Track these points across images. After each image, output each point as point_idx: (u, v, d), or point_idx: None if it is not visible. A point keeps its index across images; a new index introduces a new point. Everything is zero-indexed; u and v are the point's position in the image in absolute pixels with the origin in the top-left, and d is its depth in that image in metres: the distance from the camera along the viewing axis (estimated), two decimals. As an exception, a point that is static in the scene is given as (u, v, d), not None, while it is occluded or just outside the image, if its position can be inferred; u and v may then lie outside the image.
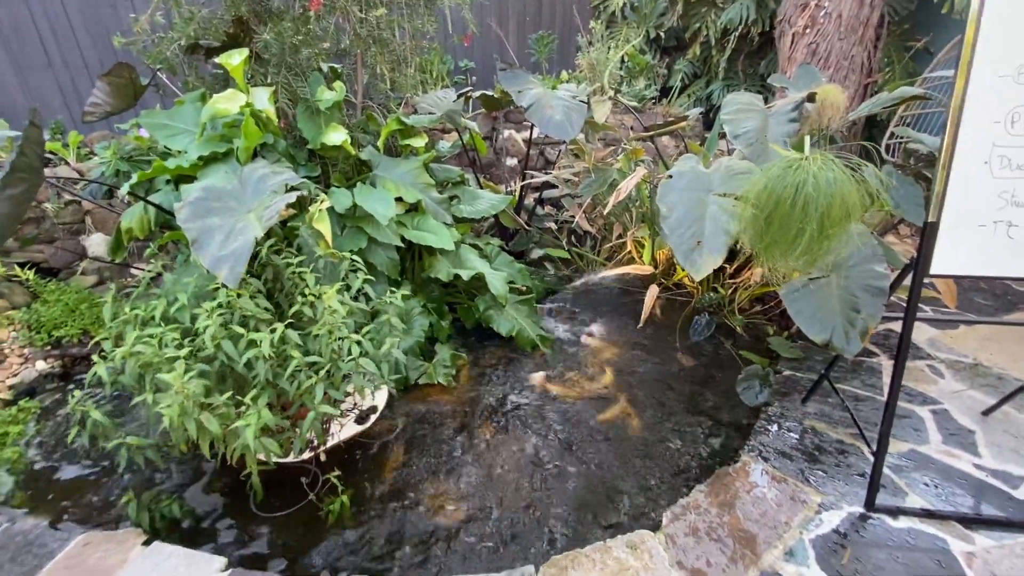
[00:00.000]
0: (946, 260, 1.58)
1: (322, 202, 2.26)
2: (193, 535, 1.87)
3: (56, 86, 4.06)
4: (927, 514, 1.82)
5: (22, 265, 3.02)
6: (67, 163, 3.31)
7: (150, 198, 2.39)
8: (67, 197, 3.27)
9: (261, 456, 1.77)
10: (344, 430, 2.13)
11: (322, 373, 1.78)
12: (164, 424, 1.58)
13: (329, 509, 1.89)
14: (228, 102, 2.30)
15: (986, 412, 2.30)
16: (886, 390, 2.46)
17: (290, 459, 1.97)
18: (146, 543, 1.75)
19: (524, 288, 3.09)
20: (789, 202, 1.66)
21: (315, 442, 2.02)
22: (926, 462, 2.06)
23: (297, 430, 1.85)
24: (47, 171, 3.21)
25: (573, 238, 3.97)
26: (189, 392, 1.58)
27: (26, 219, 3.19)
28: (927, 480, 1.97)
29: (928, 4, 3.81)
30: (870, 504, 1.83)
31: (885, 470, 1.94)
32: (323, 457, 2.08)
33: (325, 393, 1.78)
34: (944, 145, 1.48)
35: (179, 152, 2.38)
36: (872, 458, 1.81)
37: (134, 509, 1.85)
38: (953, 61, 3.54)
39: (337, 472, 1.94)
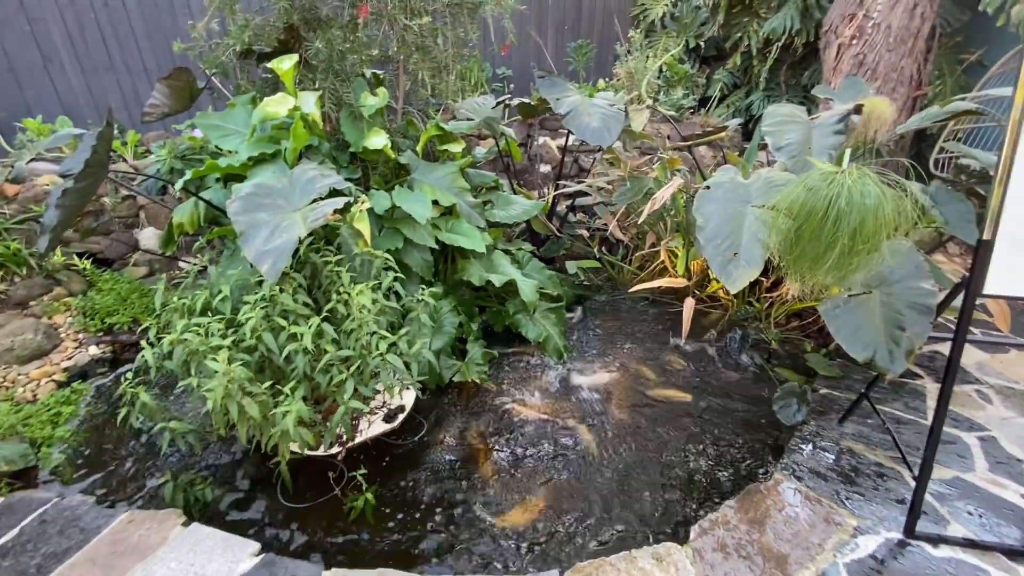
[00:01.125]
0: (1000, 280, 1.51)
1: (363, 203, 2.32)
2: (222, 518, 1.95)
3: (117, 88, 4.30)
4: (970, 544, 1.74)
5: (80, 255, 3.20)
6: (125, 160, 3.50)
7: (201, 195, 2.50)
8: (124, 192, 3.45)
9: (294, 448, 1.83)
10: (372, 428, 2.18)
11: (353, 368, 1.83)
12: (208, 406, 1.65)
13: (352, 505, 1.93)
14: (278, 105, 2.39)
15: (1038, 442, 2.19)
16: (930, 414, 2.37)
17: (320, 452, 2.02)
18: (185, 524, 1.83)
19: (554, 295, 3.10)
20: (821, 215, 1.63)
21: (344, 437, 2.08)
22: (971, 490, 1.97)
23: (328, 424, 1.90)
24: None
25: (605, 247, 3.96)
26: (235, 376, 1.65)
27: (86, 212, 3.38)
28: (971, 509, 1.88)
29: (983, 16, 3.67)
30: (910, 531, 1.76)
31: (927, 496, 1.87)
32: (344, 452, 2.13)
33: (355, 389, 1.82)
34: (1002, 161, 1.42)
35: (230, 152, 2.49)
36: (913, 483, 1.75)
37: (170, 491, 1.93)
38: (1009, 74, 3.40)
39: (363, 471, 1.98)
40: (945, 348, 2.80)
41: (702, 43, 5.39)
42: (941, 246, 2.93)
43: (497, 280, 2.78)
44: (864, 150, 2.62)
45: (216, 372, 1.64)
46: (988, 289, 1.53)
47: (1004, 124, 1.42)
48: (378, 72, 3.11)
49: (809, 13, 4.50)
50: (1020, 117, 1.38)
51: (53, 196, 1.94)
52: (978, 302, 1.59)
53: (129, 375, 1.88)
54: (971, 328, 3.01)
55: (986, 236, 1.49)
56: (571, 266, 3.69)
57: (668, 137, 4.70)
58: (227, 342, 1.72)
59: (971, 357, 2.80)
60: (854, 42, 3.66)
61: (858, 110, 2.39)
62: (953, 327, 1.62)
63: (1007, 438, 2.22)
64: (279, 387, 1.78)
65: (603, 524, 1.94)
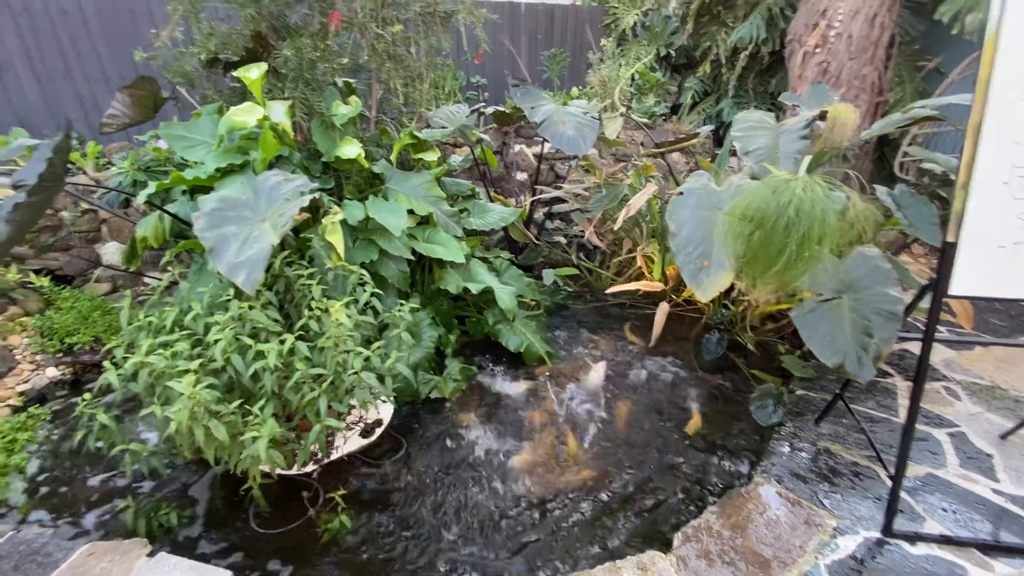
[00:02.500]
0: (965, 281, 1.56)
1: (335, 214, 2.27)
2: (190, 546, 1.86)
3: (76, 97, 4.15)
4: (945, 540, 1.78)
5: (37, 272, 3.06)
6: (85, 172, 3.36)
7: (167, 208, 2.42)
8: (84, 206, 3.31)
9: (265, 468, 1.77)
10: (348, 443, 2.11)
11: (325, 385, 1.77)
12: (171, 430, 1.57)
13: (327, 527, 1.87)
14: (245, 115, 2.33)
15: (1004, 436, 2.25)
16: (901, 411, 2.43)
17: (293, 471, 1.96)
18: (151, 554, 1.74)
19: (533, 303, 3.09)
20: (773, 221, 1.67)
21: (319, 455, 2.01)
22: (944, 486, 2.01)
23: (301, 442, 1.83)
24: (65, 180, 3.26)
25: (582, 253, 3.97)
26: (200, 399, 1.58)
27: (43, 227, 3.24)
28: (945, 505, 1.92)
29: (938, 25, 3.81)
30: (887, 529, 1.79)
31: (902, 494, 1.90)
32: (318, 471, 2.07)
33: (329, 406, 1.77)
34: (962, 165, 1.47)
35: (196, 163, 2.41)
36: (889, 481, 1.78)
37: (131, 517, 1.84)
38: (967, 81, 3.54)
39: (342, 491, 1.92)
40: (914, 347, 2.87)
41: (673, 51, 5.48)
42: (906, 247, 3.01)
43: (475, 288, 2.75)
44: (830, 155, 2.68)
45: (180, 395, 1.57)
46: (954, 290, 1.57)
47: (963, 129, 1.47)
48: (350, 81, 3.07)
49: (774, 23, 4.62)
50: (979, 122, 1.43)
51: (2, 210, 1.84)
52: (943, 301, 1.63)
53: (87, 395, 1.78)
54: (938, 327, 3.10)
55: (950, 239, 1.53)
56: (548, 275, 3.69)
57: (642, 144, 4.76)
58: (194, 365, 1.65)
59: (939, 355, 2.88)
60: (818, 50, 3.77)
61: (823, 116, 2.45)
62: (922, 326, 1.66)
63: (976, 433, 2.29)
64: (248, 407, 1.71)
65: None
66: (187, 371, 1.64)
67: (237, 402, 1.70)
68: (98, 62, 4.14)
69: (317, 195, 2.20)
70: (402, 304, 2.15)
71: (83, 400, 1.75)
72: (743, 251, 1.83)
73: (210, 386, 1.67)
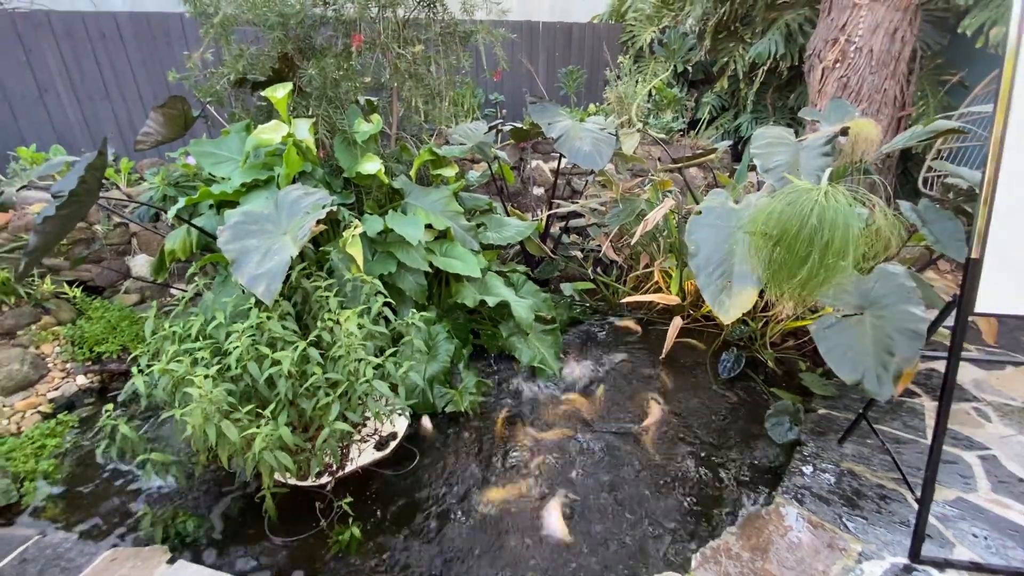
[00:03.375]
0: (990, 298, 1.52)
1: (355, 228, 2.32)
2: (205, 553, 1.88)
3: (112, 116, 4.34)
4: (976, 568, 1.71)
5: (70, 283, 3.17)
6: (118, 187, 3.50)
7: (194, 222, 2.50)
8: (116, 219, 3.44)
9: (279, 476, 1.79)
10: (363, 456, 2.13)
11: (339, 392, 1.80)
12: (187, 432, 1.61)
13: (338, 539, 1.88)
14: (271, 132, 2.41)
15: (1039, 460, 2.16)
16: (929, 432, 2.35)
17: (308, 483, 1.97)
18: (171, 561, 1.77)
19: (549, 318, 3.09)
20: (795, 230, 1.66)
21: (333, 466, 2.03)
22: (974, 512, 1.93)
23: (315, 452, 1.86)
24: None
25: (599, 267, 3.97)
26: (212, 398, 1.61)
27: (77, 239, 3.37)
28: (976, 531, 1.85)
29: (962, 38, 3.77)
30: (915, 555, 1.73)
31: (931, 519, 1.84)
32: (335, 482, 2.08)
33: (343, 415, 1.79)
34: (985, 180, 1.44)
35: (223, 179, 2.49)
36: (916, 505, 1.72)
37: (148, 524, 1.88)
38: (992, 95, 3.48)
39: (349, 499, 1.92)
40: (941, 366, 2.79)
41: (690, 67, 5.50)
42: (932, 263, 2.95)
43: (491, 301, 2.77)
44: (852, 170, 2.65)
45: (196, 396, 1.61)
46: (979, 307, 1.53)
47: (987, 143, 1.44)
48: (372, 99, 3.15)
49: (793, 38, 4.62)
50: (1001, 136, 1.40)
51: (36, 221, 1.94)
52: (968, 319, 1.59)
53: (110, 407, 1.83)
54: (967, 345, 3.01)
55: (974, 255, 1.50)
56: (567, 288, 3.69)
57: (659, 159, 4.76)
58: (213, 371, 1.70)
59: (968, 375, 2.79)
60: (837, 65, 3.75)
61: (845, 131, 2.42)
62: (948, 345, 1.62)
63: (1007, 456, 2.20)
64: (260, 412, 1.74)
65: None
66: (206, 376, 1.68)
67: (250, 406, 1.73)
68: (134, 83, 4.33)
69: (335, 207, 2.26)
70: (413, 311, 2.18)
71: (107, 411, 1.80)
72: (767, 261, 1.82)
73: (228, 393, 1.70)
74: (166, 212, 2.60)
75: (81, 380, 2.81)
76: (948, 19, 3.97)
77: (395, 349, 2.02)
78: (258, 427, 1.70)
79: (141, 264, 3.54)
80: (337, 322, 1.91)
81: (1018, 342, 3.14)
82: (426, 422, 2.48)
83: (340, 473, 2.03)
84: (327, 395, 1.79)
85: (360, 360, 1.86)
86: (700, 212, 2.22)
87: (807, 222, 1.63)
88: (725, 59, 5.20)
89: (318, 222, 2.04)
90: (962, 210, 2.45)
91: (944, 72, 4.15)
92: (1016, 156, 1.41)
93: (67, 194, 1.94)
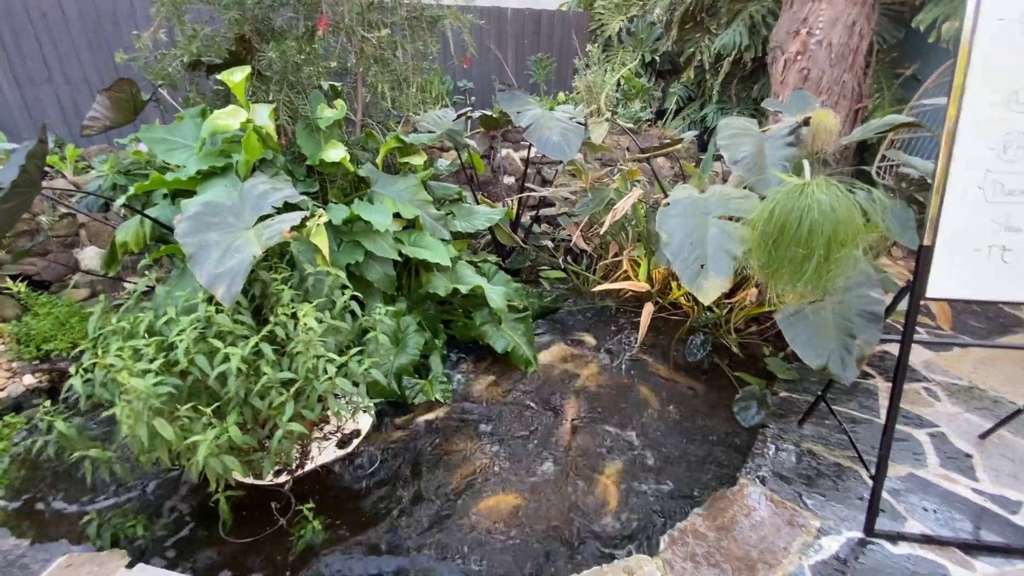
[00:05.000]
0: (941, 284, 1.59)
1: (320, 217, 2.26)
2: (157, 555, 1.81)
3: (56, 100, 4.08)
4: (927, 540, 1.80)
5: (14, 278, 2.99)
6: (64, 176, 3.30)
7: (147, 212, 2.38)
8: (62, 210, 3.25)
9: (237, 476, 1.72)
10: (324, 453, 2.08)
11: (292, 391, 1.73)
12: (125, 431, 1.53)
13: (300, 535, 1.83)
14: (229, 118, 2.31)
15: (983, 436, 2.29)
16: (883, 412, 2.46)
17: (266, 481, 1.91)
18: (129, 565, 1.70)
19: (521, 306, 3.09)
20: (795, 227, 1.66)
21: (292, 465, 1.97)
22: (925, 486, 2.04)
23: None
24: (43, 184, 3.20)
25: (569, 257, 3.98)
26: (143, 394, 1.52)
27: (20, 231, 3.17)
28: (926, 505, 1.95)
29: (915, 33, 3.91)
30: (869, 529, 1.81)
31: (884, 494, 1.93)
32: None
33: (301, 415, 1.73)
34: (938, 170, 1.50)
35: (178, 166, 2.38)
36: (871, 482, 1.80)
37: (101, 528, 1.79)
38: (942, 87, 3.63)
39: (311, 505, 1.87)
40: (894, 348, 2.92)
41: (657, 57, 5.54)
42: (886, 251, 3.06)
43: (464, 288, 2.75)
44: (812, 161, 2.72)
45: (127, 392, 1.53)
46: (931, 292, 1.60)
47: (939, 134, 1.50)
48: (336, 84, 3.06)
49: (756, 30, 4.70)
50: (954, 128, 1.46)
51: (-23, 218, 1.81)
52: (920, 303, 1.66)
53: (47, 403, 1.73)
54: (917, 328, 3.16)
55: (926, 242, 1.56)
56: (547, 277, 3.69)
57: (627, 149, 4.80)
58: (155, 365, 1.61)
59: (918, 356, 2.93)
60: (799, 57, 3.84)
61: (807, 122, 2.48)
62: (901, 328, 1.69)
63: (955, 433, 2.33)
64: (200, 409, 1.65)
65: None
66: (148, 371, 1.59)
67: (191, 403, 1.65)
68: (79, 66, 4.08)
69: (307, 212, 2.16)
70: (379, 307, 2.12)
71: (44, 407, 1.71)
72: (766, 261, 1.81)
73: (175, 387, 1.62)
74: (115, 201, 2.47)
75: (28, 380, 2.66)
76: (903, 14, 4.11)
77: (360, 348, 1.96)
78: (202, 427, 1.63)
79: (91, 257, 3.37)
80: (294, 316, 1.84)
81: (964, 324, 3.31)
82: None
83: (299, 472, 1.97)
84: (280, 394, 1.72)
85: (319, 357, 1.80)
86: (668, 204, 2.25)
87: (806, 217, 1.63)
88: (692, 49, 5.25)
89: (291, 228, 1.94)
90: (914, 199, 2.55)
91: (898, 65, 4.30)
92: (967, 147, 1.47)
93: (8, 186, 1.81)
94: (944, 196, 1.50)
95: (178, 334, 1.69)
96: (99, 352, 1.74)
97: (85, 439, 1.70)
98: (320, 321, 1.84)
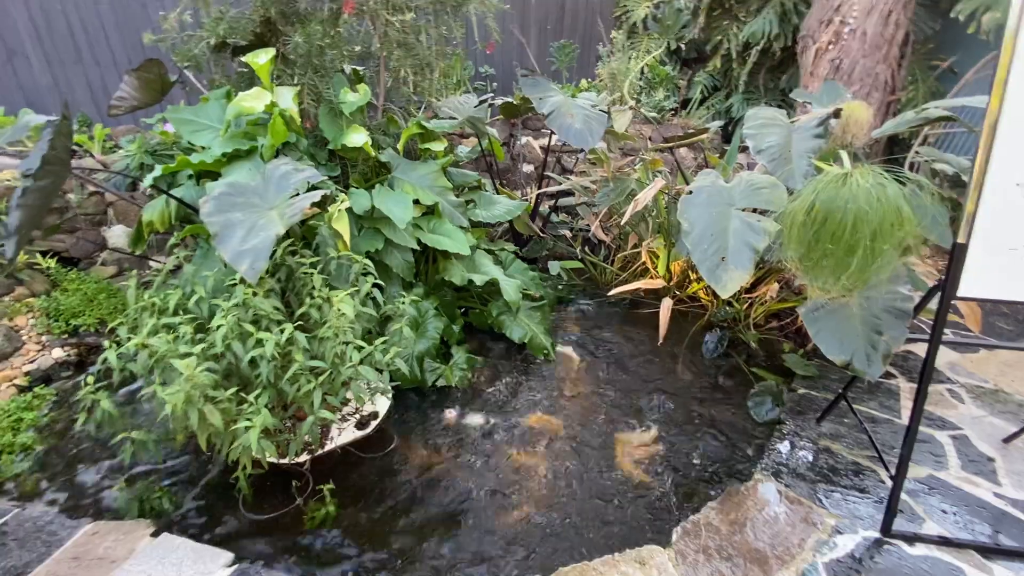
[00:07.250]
0: (974, 283, 1.54)
1: (342, 202, 2.27)
2: (179, 527, 1.87)
3: (85, 81, 4.15)
4: (944, 542, 1.78)
5: (43, 254, 3.07)
6: (92, 155, 3.37)
7: (172, 192, 2.42)
8: (91, 188, 3.32)
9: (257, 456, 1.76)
10: (343, 435, 2.11)
11: (322, 378, 1.76)
12: (167, 411, 1.57)
13: (314, 515, 1.88)
14: (253, 100, 2.33)
15: (1007, 440, 2.24)
16: (904, 412, 2.42)
17: (286, 461, 1.95)
18: (154, 534, 1.76)
19: (537, 296, 3.09)
20: (839, 218, 1.61)
21: (312, 445, 2.00)
22: (945, 488, 2.01)
23: (295, 432, 1.83)
24: (72, 163, 3.27)
25: (587, 247, 3.96)
26: (198, 381, 1.58)
27: (51, 208, 3.25)
28: (945, 507, 1.92)
29: (954, 24, 3.76)
30: (886, 529, 1.79)
31: (903, 495, 1.90)
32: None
33: (324, 399, 1.76)
34: (976, 166, 1.45)
35: (203, 148, 2.41)
36: (889, 482, 1.77)
37: (127, 498, 1.85)
38: (983, 81, 3.50)
39: (331, 485, 1.91)
40: (919, 348, 2.86)
41: (683, 45, 5.43)
42: (917, 248, 2.99)
43: (479, 280, 2.75)
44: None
45: (180, 376, 1.57)
46: (962, 292, 1.56)
47: (976, 131, 1.45)
48: (359, 68, 3.05)
49: (787, 18, 4.57)
50: (995, 123, 1.41)
51: (15, 196, 1.85)
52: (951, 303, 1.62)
53: (90, 379, 1.78)
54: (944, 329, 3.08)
55: (960, 239, 1.52)
56: (554, 266, 3.68)
57: (650, 138, 4.73)
58: (197, 349, 1.65)
59: (943, 357, 2.87)
60: (831, 47, 3.73)
61: (837, 114, 2.42)
62: (926, 328, 1.65)
63: (978, 436, 2.28)
64: (243, 395, 1.70)
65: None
66: (188, 354, 1.64)
67: (233, 389, 1.70)
68: (108, 47, 4.14)
69: (327, 191, 2.18)
70: (403, 295, 2.14)
71: (85, 384, 1.75)
72: (805, 253, 1.75)
73: (209, 371, 1.67)
74: (142, 181, 2.51)
75: (58, 353, 2.74)
76: (941, 4, 3.96)
77: (385, 339, 1.98)
78: (239, 413, 1.67)
79: (118, 235, 3.44)
80: (327, 300, 1.87)
81: (992, 326, 3.23)
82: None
83: (319, 452, 2.01)
84: (309, 382, 1.75)
85: (348, 343, 1.82)
86: (691, 192, 2.22)
87: (849, 209, 1.57)
88: (719, 38, 5.13)
89: (312, 205, 1.97)
90: (945, 196, 2.48)
91: (935, 57, 4.16)
92: (1008, 142, 1.42)
93: (40, 162, 1.85)
94: (982, 193, 1.46)
95: (219, 319, 1.72)
96: (132, 328, 1.78)
97: (124, 418, 1.75)
98: (352, 307, 1.86)
